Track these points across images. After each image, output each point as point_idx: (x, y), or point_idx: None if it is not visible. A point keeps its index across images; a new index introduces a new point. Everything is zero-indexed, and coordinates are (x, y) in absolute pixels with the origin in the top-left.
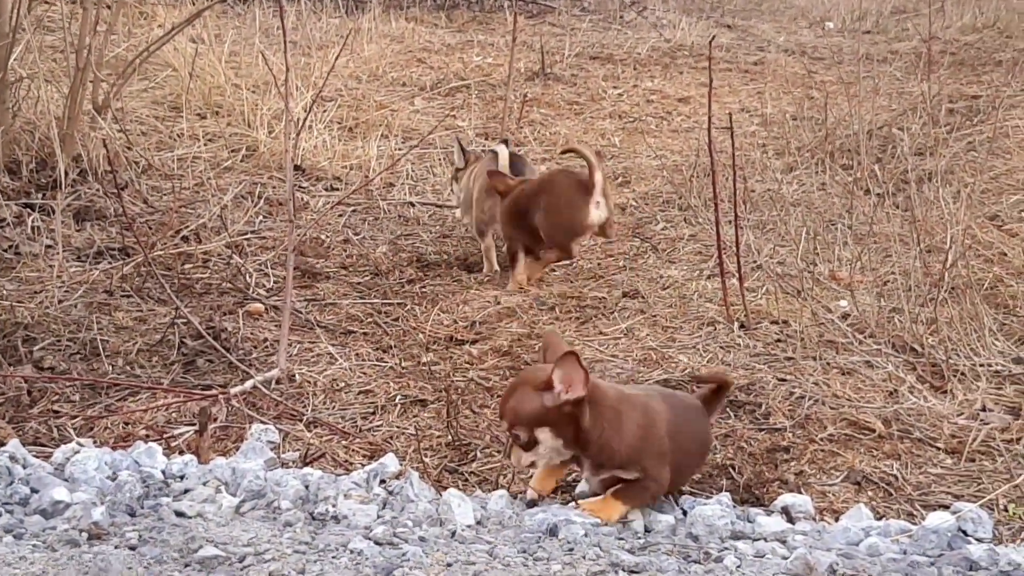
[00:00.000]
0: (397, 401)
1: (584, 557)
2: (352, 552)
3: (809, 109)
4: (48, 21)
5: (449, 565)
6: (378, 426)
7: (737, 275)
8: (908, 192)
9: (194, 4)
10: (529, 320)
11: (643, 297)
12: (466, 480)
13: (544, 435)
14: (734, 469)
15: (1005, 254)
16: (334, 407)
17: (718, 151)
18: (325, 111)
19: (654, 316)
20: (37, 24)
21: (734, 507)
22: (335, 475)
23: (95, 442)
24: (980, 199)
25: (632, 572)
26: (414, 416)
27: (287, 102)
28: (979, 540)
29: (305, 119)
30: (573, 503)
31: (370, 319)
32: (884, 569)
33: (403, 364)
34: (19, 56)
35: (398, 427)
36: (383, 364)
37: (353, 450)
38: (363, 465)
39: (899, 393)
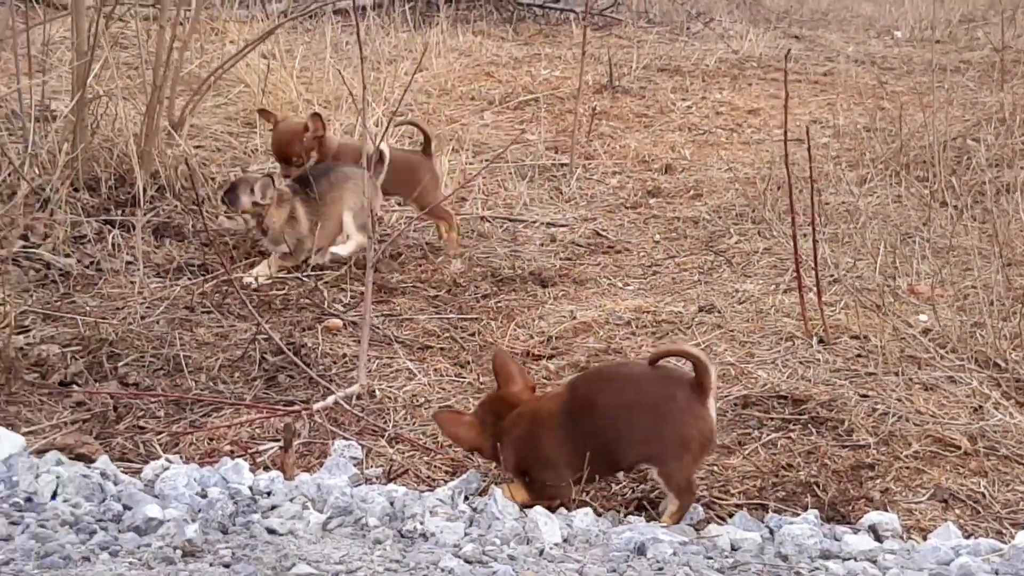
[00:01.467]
0: None
1: None
2: (443, 570)
3: (881, 120)
4: (122, 38)
5: None
6: None
7: (815, 289)
8: (986, 204)
9: (264, 21)
10: (606, 335)
11: (719, 312)
12: None
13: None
14: (818, 487)
15: None
16: (415, 423)
17: (790, 163)
18: (396, 126)
19: (731, 331)
20: (113, 42)
21: (821, 525)
22: (419, 492)
23: (182, 458)
24: None
25: None
26: None
27: (363, 119)
28: None
29: (383, 136)
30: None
31: (447, 334)
32: None
33: (481, 380)
34: (96, 74)
35: None
36: (461, 380)
37: (435, 466)
38: (445, 481)
39: (984, 409)
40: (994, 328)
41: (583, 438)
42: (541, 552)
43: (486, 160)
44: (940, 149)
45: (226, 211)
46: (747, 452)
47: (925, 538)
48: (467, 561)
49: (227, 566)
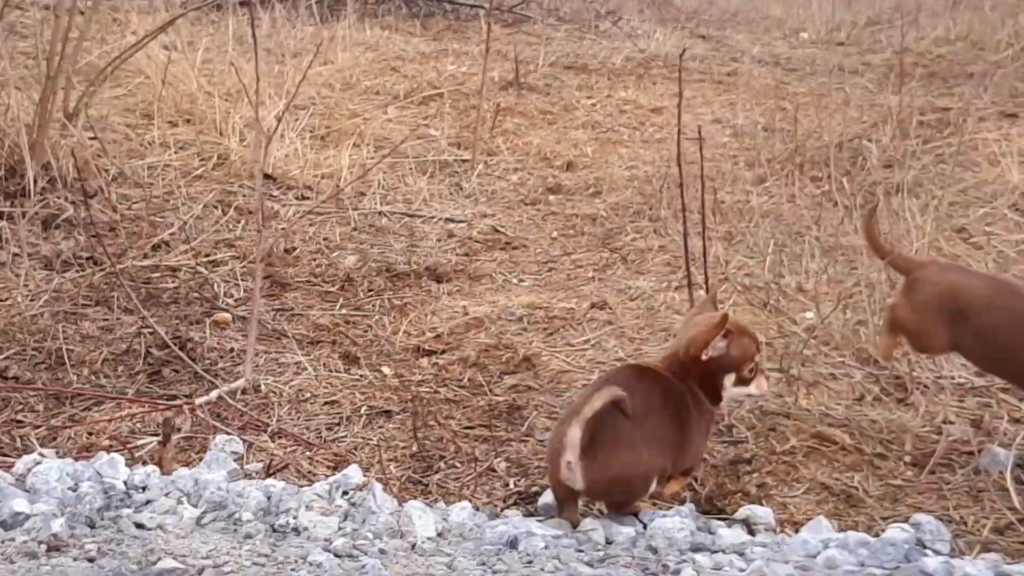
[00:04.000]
0: (363, 412)
1: (543, 569)
2: (311, 564)
3: (780, 120)
4: (20, 27)
5: None
6: (343, 437)
7: (705, 287)
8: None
9: (167, 12)
10: (497, 331)
11: (611, 308)
12: (430, 491)
13: None
14: (696, 480)
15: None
16: (299, 417)
17: (689, 162)
18: (297, 119)
19: (621, 327)
20: (9, 31)
21: (696, 519)
22: (298, 486)
23: (58, 452)
24: (948, 212)
25: None
26: (379, 427)
27: (257, 111)
28: (937, 553)
29: (277, 128)
30: None
31: (338, 329)
32: None
33: (372, 375)
34: None
35: (363, 438)
36: (350, 374)
37: (317, 461)
38: (327, 476)
39: (863, 405)
40: (876, 326)
41: None
42: (413, 546)
43: (387, 155)
44: (835, 150)
45: None
46: None
47: (797, 531)
48: (336, 555)
49: (91, 560)
